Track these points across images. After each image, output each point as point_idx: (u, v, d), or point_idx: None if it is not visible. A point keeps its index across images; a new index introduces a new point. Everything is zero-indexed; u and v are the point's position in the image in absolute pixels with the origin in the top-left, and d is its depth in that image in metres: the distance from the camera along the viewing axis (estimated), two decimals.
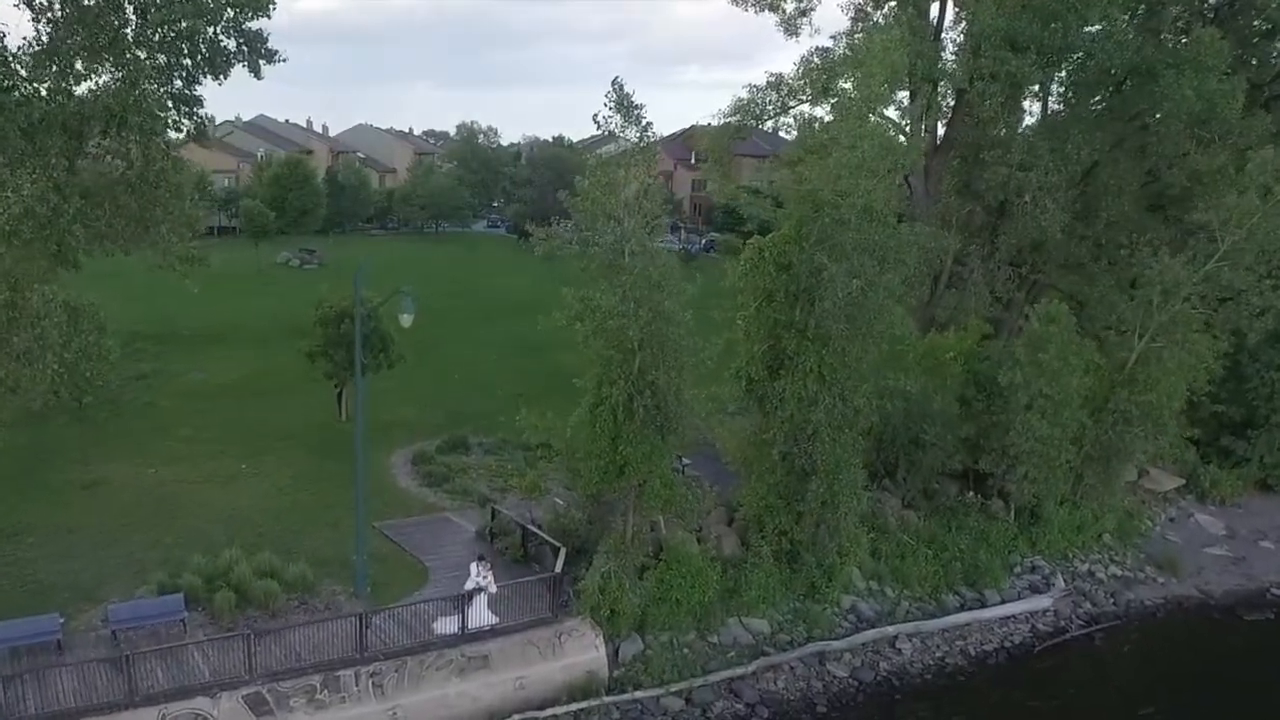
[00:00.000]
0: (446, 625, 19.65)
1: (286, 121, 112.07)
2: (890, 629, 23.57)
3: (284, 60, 17.13)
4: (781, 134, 29.72)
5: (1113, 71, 27.83)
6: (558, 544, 22.31)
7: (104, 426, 30.78)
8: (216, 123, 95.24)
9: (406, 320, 20.67)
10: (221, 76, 16.29)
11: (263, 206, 67.79)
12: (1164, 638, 25.09)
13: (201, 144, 19.93)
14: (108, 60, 15.42)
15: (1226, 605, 26.60)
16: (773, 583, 23.44)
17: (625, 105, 20.85)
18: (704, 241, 76.25)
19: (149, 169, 16.38)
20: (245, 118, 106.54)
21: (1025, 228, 29.79)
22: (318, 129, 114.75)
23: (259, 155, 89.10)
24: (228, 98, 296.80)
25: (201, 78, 16.31)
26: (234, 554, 21.48)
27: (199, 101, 16.93)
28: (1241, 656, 24.32)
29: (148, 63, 15.60)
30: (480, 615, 19.84)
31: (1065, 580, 26.26)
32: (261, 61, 16.55)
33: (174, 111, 16.57)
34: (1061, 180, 29.12)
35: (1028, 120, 31.30)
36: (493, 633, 19.89)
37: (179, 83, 16.23)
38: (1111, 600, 26.05)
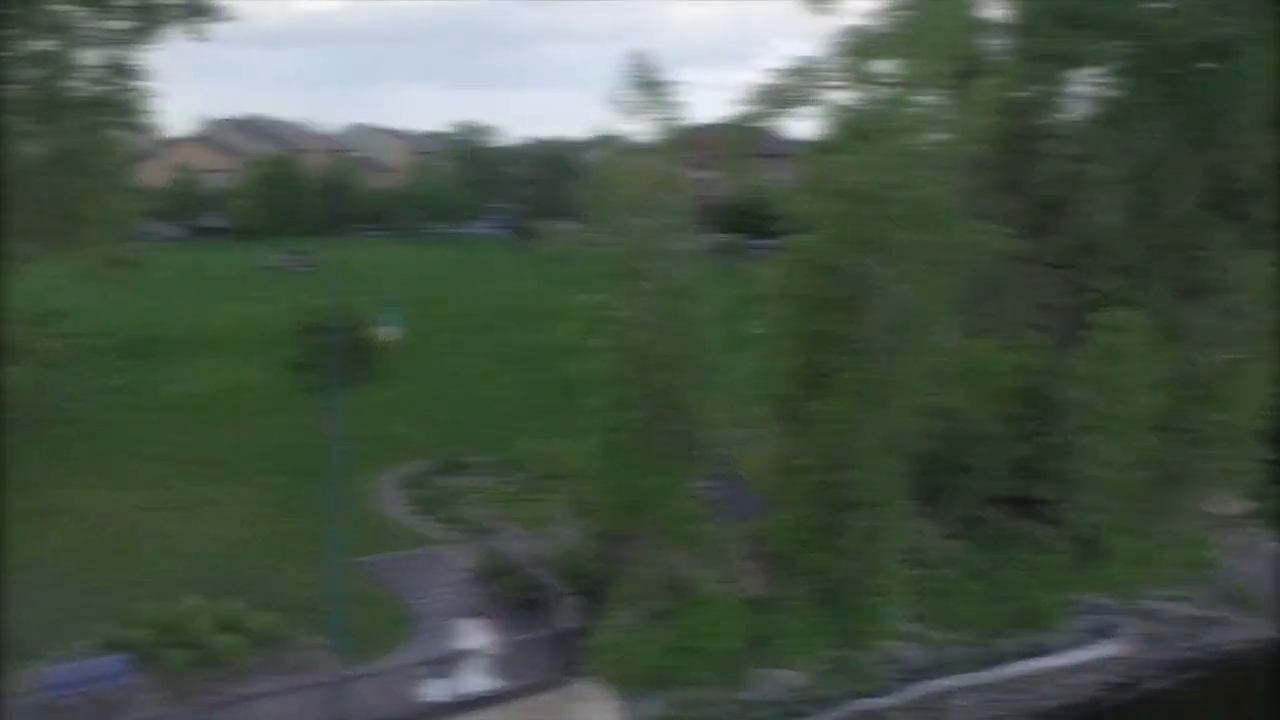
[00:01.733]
0: (437, 690, 16.90)
1: (283, 121, 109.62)
2: (941, 682, 20.88)
3: (228, 20, 14.50)
4: (800, 128, 27.00)
5: (1181, 49, 25.07)
6: (566, 589, 19.56)
7: (65, 446, 27.99)
8: (207, 119, 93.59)
9: (388, 333, 18.03)
10: (158, 37, 13.61)
11: (252, 206, 65.40)
12: (1250, 686, 22.35)
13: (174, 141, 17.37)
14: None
15: None
16: (808, 628, 20.67)
17: (648, 83, 18.15)
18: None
19: (81, 152, 13.67)
20: (241, 116, 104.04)
21: (1081, 226, 26.95)
22: (315, 129, 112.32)
23: (252, 155, 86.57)
24: (223, 96, 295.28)
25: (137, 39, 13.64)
26: (195, 601, 18.72)
27: (137, 73, 14.28)
28: None
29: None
30: (476, 679, 17.09)
31: (1134, 621, 23.46)
32: (201, 21, 13.89)
33: (111, 85, 13.91)
34: (1121, 173, 26.28)
35: (1081, 107, 28.50)
36: (491, 699, 17.12)
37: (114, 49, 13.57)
38: (1188, 645, 23.27)
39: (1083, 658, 22.11)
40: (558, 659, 18.35)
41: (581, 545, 21.69)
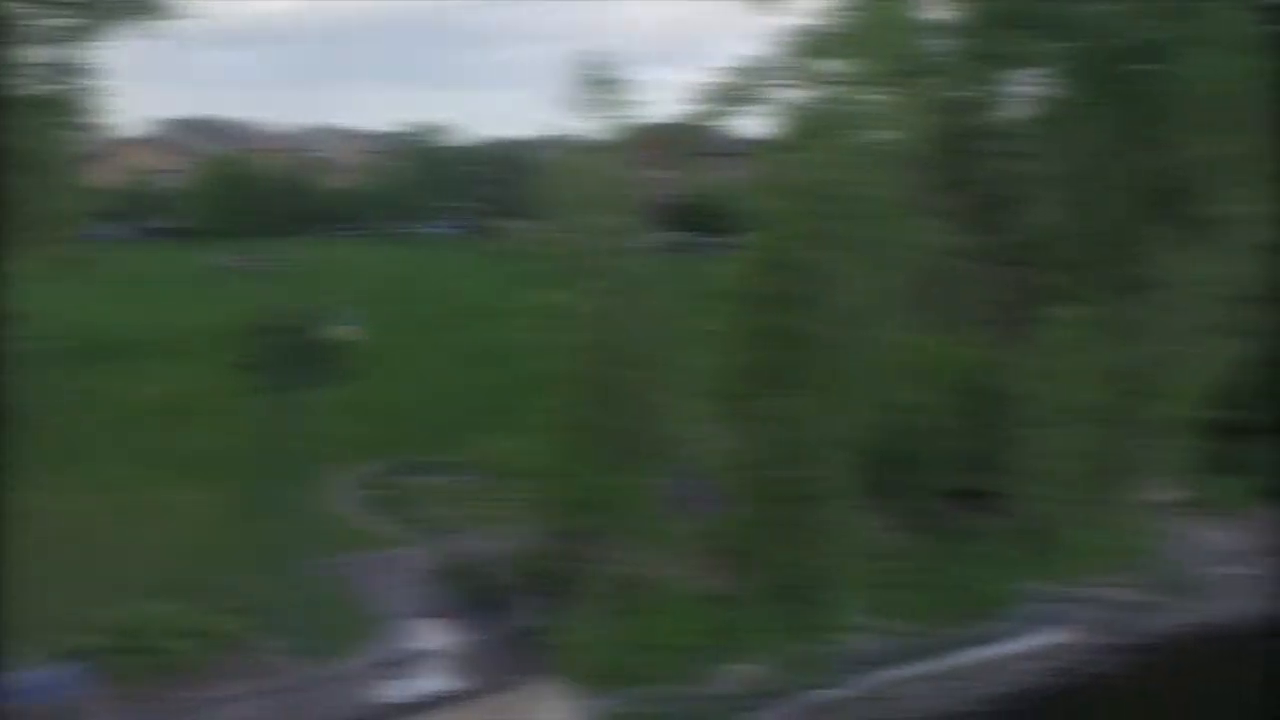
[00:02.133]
0: (397, 691, 17.01)
1: (238, 121, 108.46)
2: (894, 672, 21.29)
3: (181, 19, 14.46)
4: (751, 126, 27.39)
5: (1120, 50, 25.70)
6: (526, 588, 19.74)
7: (15, 450, 27.59)
8: (161, 119, 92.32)
9: (345, 333, 18.12)
10: (107, 36, 13.55)
11: (206, 207, 64.81)
12: (1191, 668, 23.03)
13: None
14: None
15: (1249, 628, 24.57)
16: (765, 623, 21.01)
17: (602, 82, 18.37)
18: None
19: (28, 152, 13.60)
20: (195, 117, 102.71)
21: (1025, 223, 27.57)
22: (270, 129, 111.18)
23: (207, 155, 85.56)
24: (177, 97, 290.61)
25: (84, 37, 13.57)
26: (153, 606, 18.67)
27: (85, 72, 14.21)
28: (1264, 683, 22.34)
29: None
30: (435, 679, 17.22)
31: (1079, 609, 24.08)
32: (151, 19, 13.85)
33: (59, 83, 13.84)
34: (1063, 171, 26.91)
35: (1024, 107, 29.10)
36: (450, 699, 17.26)
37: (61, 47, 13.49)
38: (1129, 630, 23.93)
39: (1029, 645, 22.65)
40: (518, 658, 18.52)
41: (541, 544, 21.87)
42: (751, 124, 26.88)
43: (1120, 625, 23.98)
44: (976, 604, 23.30)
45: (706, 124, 23.03)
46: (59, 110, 15.71)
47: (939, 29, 27.16)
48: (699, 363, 19.82)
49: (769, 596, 21.28)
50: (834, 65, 22.16)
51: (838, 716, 19.87)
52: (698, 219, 65.58)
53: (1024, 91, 28.40)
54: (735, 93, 21.99)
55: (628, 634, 19.25)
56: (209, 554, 22.23)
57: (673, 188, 57.62)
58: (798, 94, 21.83)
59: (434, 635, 17.56)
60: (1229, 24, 24.46)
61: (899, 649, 21.99)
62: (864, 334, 20.81)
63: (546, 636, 18.89)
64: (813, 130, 21.58)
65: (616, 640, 19.08)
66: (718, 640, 20.37)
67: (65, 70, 15.92)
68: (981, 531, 25.24)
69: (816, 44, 21.95)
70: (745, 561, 21.59)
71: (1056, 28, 25.80)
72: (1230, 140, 26.02)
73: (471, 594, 20.76)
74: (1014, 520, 25.10)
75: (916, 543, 24.66)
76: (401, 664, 17.52)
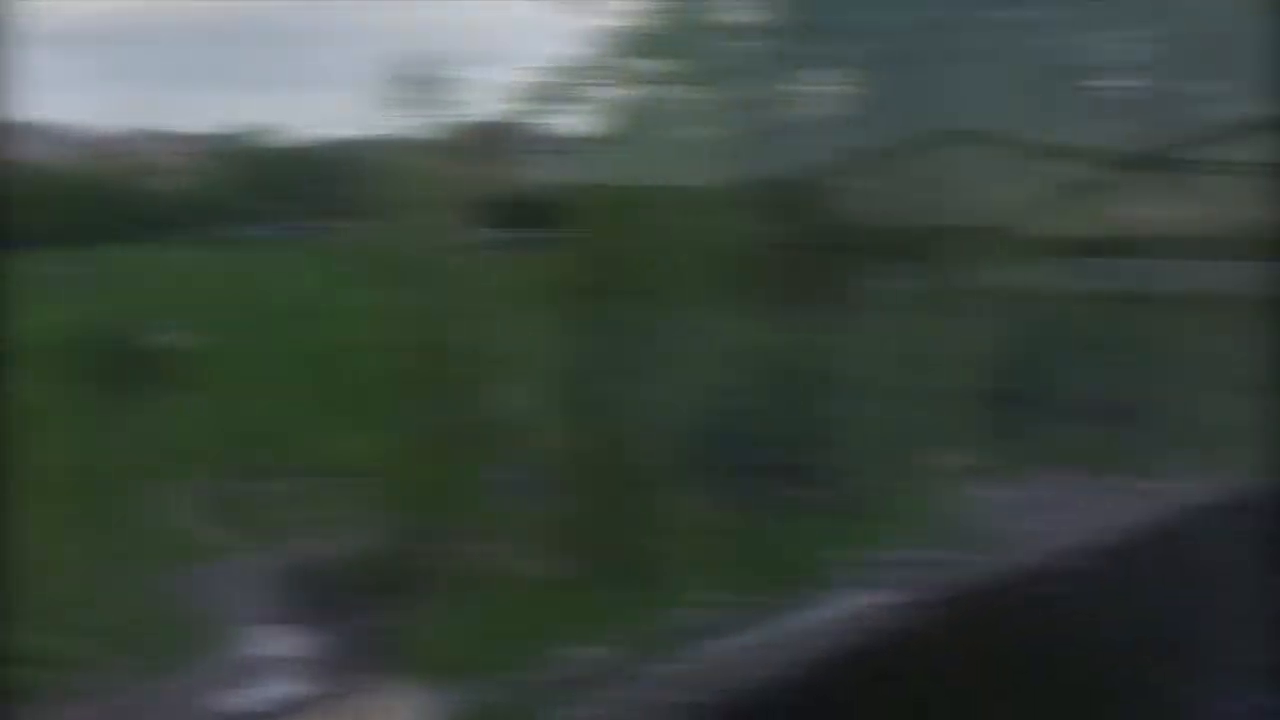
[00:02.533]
0: (240, 700, 16.92)
1: (59, 124, 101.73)
2: (724, 643, 22.48)
3: None
4: (570, 123, 28.31)
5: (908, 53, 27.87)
6: (369, 588, 19.87)
7: None
8: None
9: (172, 339, 17.89)
10: None
11: (21, 213, 60.87)
12: (993, 620, 25.14)
13: None
14: None
15: (1035, 577, 27.05)
16: (604, 605, 21.84)
17: (427, 81, 18.73)
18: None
19: None
20: (12, 120, 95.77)
21: (830, 213, 29.35)
22: (92, 132, 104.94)
23: (25, 159, 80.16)
24: None
25: None
26: None
27: None
28: (1054, 626, 24.75)
29: None
30: (280, 686, 17.21)
31: (891, 571, 25.97)
32: None
33: None
34: (861, 165, 28.84)
35: (827, 105, 30.95)
36: (296, 705, 17.27)
37: None
38: (936, 587, 25.94)
39: (848, 608, 24.29)
40: (364, 659, 18.64)
41: (382, 542, 22.04)
42: (571, 121, 27.86)
43: (928, 583, 26.00)
44: (799, 573, 24.86)
45: (527, 122, 23.64)
46: None
47: (746, 31, 28.63)
48: (527, 355, 20.40)
49: (607, 579, 22.13)
50: (648, 65, 23.19)
51: (673, 690, 20.82)
52: (521, 215, 66.11)
53: (826, 90, 30.20)
54: (554, 91, 22.69)
55: (472, 626, 19.68)
56: (41, 574, 21.35)
57: (496, 185, 57.99)
58: (614, 92, 22.72)
59: (279, 641, 17.51)
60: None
61: (730, 621, 23.23)
62: (685, 321, 21.86)
63: (392, 635, 19.10)
64: (629, 127, 22.56)
65: (461, 634, 19.49)
66: (560, 626, 21.07)
67: None
68: (803, 505, 26.87)
69: (630, 44, 22.89)
70: (583, 547, 22.34)
71: (848, 33, 27.67)
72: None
73: (316, 597, 20.74)
74: (832, 492, 26.82)
75: (744, 519, 26.05)
76: (247, 672, 17.40)
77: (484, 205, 24.08)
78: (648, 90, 23.10)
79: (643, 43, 22.91)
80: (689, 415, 22.68)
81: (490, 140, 25.36)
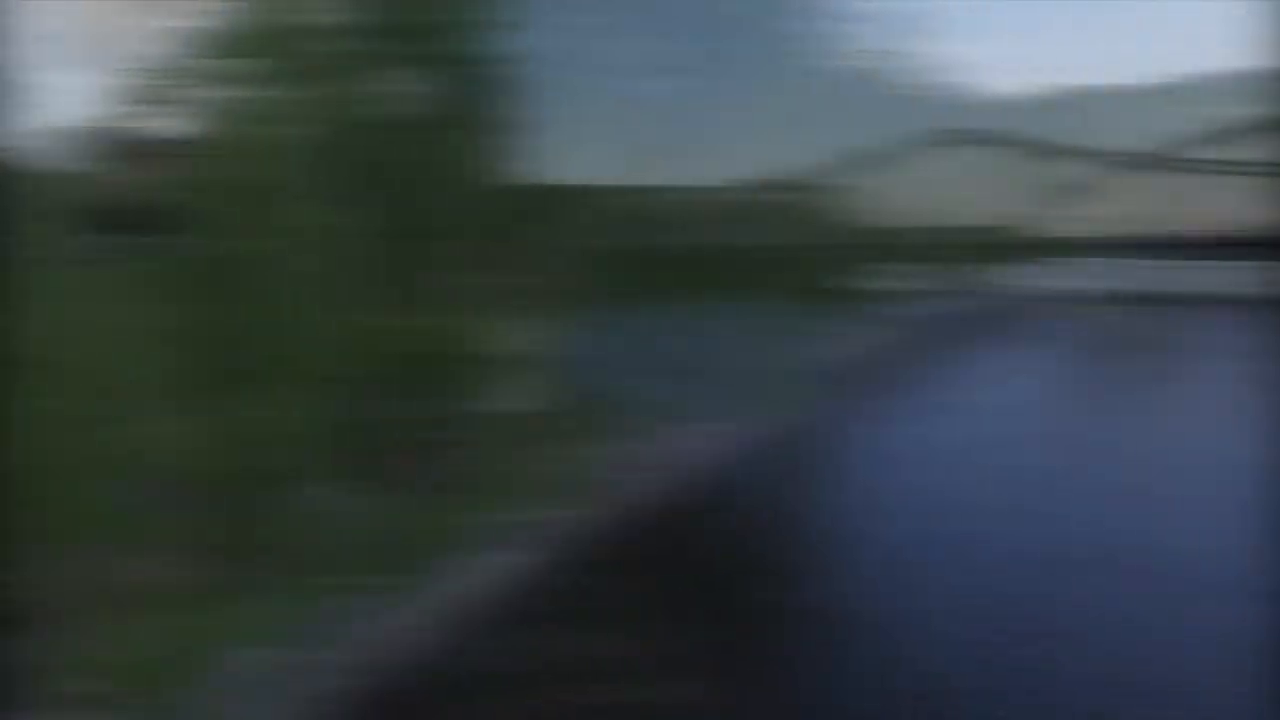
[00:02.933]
0: None
1: None
2: (375, 623, 23.20)
3: None
4: (172, 126, 26.96)
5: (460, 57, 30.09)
6: (8, 616, 18.06)
7: None
8: None
9: None
10: None
11: None
12: (614, 559, 28.20)
13: None
14: None
15: (642, 517, 30.80)
16: (253, 609, 21.58)
17: (13, 86, 17.39)
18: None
19: None
20: None
21: (411, 205, 30.75)
22: None
23: None
24: None
25: None
26: None
27: None
28: (672, 557, 28.35)
29: None
30: None
31: (522, 533, 28.18)
32: None
33: None
34: (433, 159, 30.66)
35: (408, 103, 32.25)
36: None
37: None
38: (560, 542, 28.61)
39: (481, 573, 26.08)
40: (9, 691, 17.03)
41: (18, 568, 19.94)
42: (173, 123, 26.52)
43: (551, 539, 28.56)
44: (439, 545, 26.08)
45: (128, 125, 22.40)
46: None
47: (330, 32, 29.05)
48: (149, 365, 19.55)
49: (251, 583, 21.82)
50: (237, 65, 23.00)
51: (332, 678, 21.27)
52: (132, 220, 59.73)
53: (406, 89, 31.53)
54: (150, 93, 21.79)
55: (120, 648, 18.68)
56: None
57: (101, 191, 52.11)
58: (208, 93, 22.29)
59: None
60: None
61: (375, 603, 23.89)
62: (300, 318, 22.16)
63: (36, 666, 17.63)
64: (224, 127, 22.29)
65: (110, 656, 18.45)
66: (211, 635, 20.54)
67: None
68: (435, 482, 28.11)
69: (219, 45, 22.59)
70: (225, 553, 21.93)
71: (414, 36, 29.30)
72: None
73: None
74: (464, 467, 28.34)
75: (381, 503, 26.72)
76: None
77: (90, 212, 22.45)
78: (239, 90, 22.85)
79: (230, 43, 22.64)
80: (317, 409, 22.95)
81: (93, 145, 23.48)
